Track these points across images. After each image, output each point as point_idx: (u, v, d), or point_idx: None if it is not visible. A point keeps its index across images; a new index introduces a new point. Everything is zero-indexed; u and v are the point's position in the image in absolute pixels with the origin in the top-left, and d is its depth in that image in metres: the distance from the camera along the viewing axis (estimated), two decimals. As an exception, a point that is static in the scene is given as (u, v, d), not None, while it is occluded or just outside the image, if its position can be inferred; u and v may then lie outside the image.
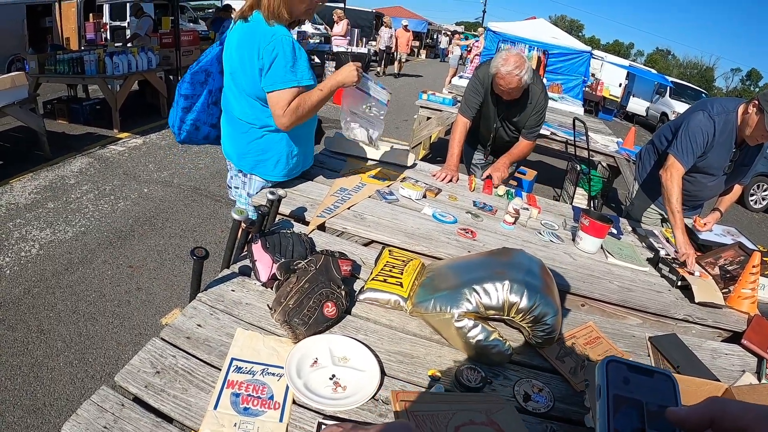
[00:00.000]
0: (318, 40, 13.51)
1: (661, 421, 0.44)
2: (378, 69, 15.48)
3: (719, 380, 1.35)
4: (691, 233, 2.37)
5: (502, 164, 2.83)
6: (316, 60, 11.38)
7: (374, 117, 2.17)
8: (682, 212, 2.30)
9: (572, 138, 4.88)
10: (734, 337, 1.74)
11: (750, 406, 0.43)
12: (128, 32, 10.03)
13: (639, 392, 0.45)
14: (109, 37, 11.21)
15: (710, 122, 2.31)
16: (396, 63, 15.94)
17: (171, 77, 7.46)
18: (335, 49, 11.61)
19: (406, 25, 16.17)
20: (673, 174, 2.34)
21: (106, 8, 11.81)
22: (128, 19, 10.44)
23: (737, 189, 2.58)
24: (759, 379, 1.46)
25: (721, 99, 2.45)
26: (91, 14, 10.81)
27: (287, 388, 1.08)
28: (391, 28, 15.52)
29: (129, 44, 7.85)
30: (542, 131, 3.68)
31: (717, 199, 2.64)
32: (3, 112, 4.58)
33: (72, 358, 2.50)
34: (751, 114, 2.20)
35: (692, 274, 1.97)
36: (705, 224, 2.45)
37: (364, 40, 19.40)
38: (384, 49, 15.40)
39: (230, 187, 2.26)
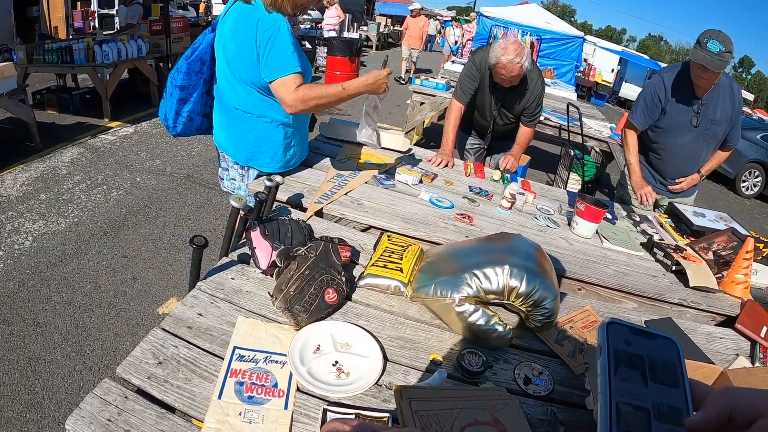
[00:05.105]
0: (309, 26, 13.37)
1: (662, 377, 0.43)
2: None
3: (714, 363, 1.37)
4: (686, 221, 2.37)
5: (517, 153, 2.89)
6: (308, 45, 11.28)
7: (374, 114, 2.16)
8: (640, 163, 2.63)
9: (566, 123, 4.88)
10: (728, 321, 1.76)
11: (760, 393, 0.42)
12: (116, 20, 9.85)
13: (641, 351, 0.45)
14: (97, 25, 11.02)
15: (658, 78, 2.50)
16: (402, 63, 11.91)
17: (161, 65, 7.36)
18: (326, 34, 11.45)
19: (419, 11, 11.54)
20: (627, 133, 2.69)
21: (93, -4, 11.60)
22: (116, 7, 10.24)
23: (721, 153, 2.60)
24: (752, 363, 1.48)
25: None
26: (78, 3, 10.65)
27: (291, 375, 1.08)
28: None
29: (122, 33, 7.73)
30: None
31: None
32: (-8, 103, 4.53)
33: (69, 351, 2.49)
34: None
35: (648, 207, 2.39)
36: (679, 183, 2.61)
37: (356, 25, 19.22)
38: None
39: (222, 179, 2.23)
